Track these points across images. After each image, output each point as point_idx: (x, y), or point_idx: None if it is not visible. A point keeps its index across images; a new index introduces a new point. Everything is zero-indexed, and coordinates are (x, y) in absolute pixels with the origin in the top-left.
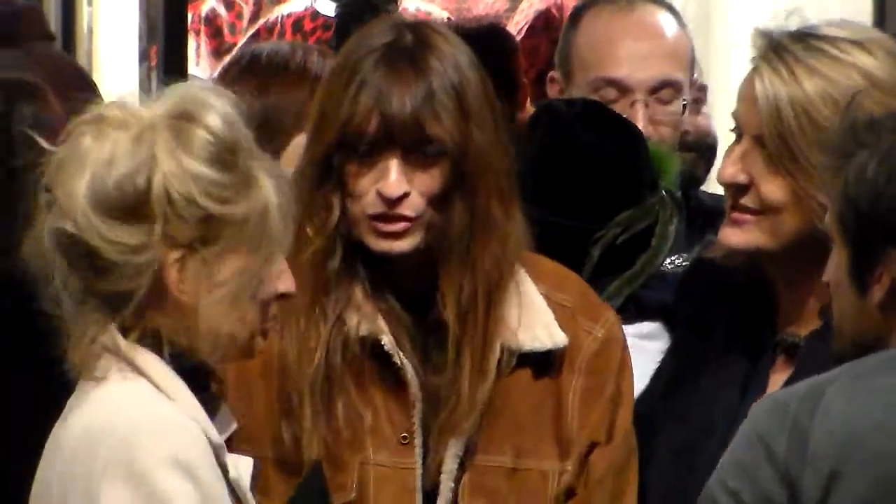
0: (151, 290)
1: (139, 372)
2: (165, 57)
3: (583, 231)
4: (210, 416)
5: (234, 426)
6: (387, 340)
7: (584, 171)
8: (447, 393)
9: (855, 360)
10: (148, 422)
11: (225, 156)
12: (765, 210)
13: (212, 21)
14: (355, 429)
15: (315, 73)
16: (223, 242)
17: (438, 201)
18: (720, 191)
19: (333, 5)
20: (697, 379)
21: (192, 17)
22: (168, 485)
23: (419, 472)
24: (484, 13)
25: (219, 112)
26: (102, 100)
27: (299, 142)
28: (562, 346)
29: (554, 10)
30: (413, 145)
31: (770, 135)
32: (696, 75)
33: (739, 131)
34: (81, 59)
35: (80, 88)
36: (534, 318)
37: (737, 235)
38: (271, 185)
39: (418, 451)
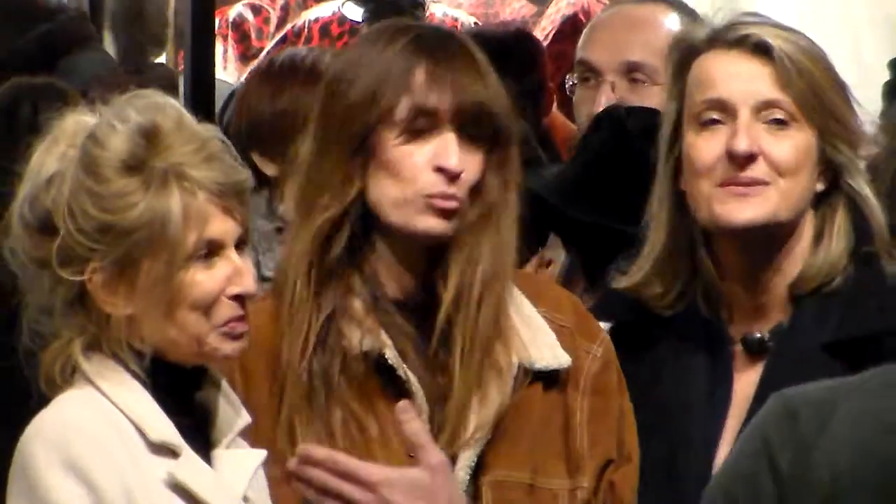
0: (87, 305)
1: (88, 380)
2: (192, 61)
3: (632, 235)
4: (206, 417)
5: (243, 423)
6: (390, 354)
7: (638, 178)
8: (455, 400)
9: (878, 369)
10: (47, 427)
11: (122, 172)
12: (778, 175)
13: (239, 26)
14: (363, 440)
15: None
16: (127, 250)
17: (474, 186)
18: None
19: (360, 10)
20: (659, 394)
21: (220, 22)
22: (57, 489)
23: None
24: (511, 18)
25: (129, 131)
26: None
27: None
28: (566, 366)
29: (581, 16)
30: (473, 123)
31: (798, 87)
32: None
33: (726, 111)
34: None
35: None
36: (539, 337)
37: (750, 209)
38: (179, 192)
39: None
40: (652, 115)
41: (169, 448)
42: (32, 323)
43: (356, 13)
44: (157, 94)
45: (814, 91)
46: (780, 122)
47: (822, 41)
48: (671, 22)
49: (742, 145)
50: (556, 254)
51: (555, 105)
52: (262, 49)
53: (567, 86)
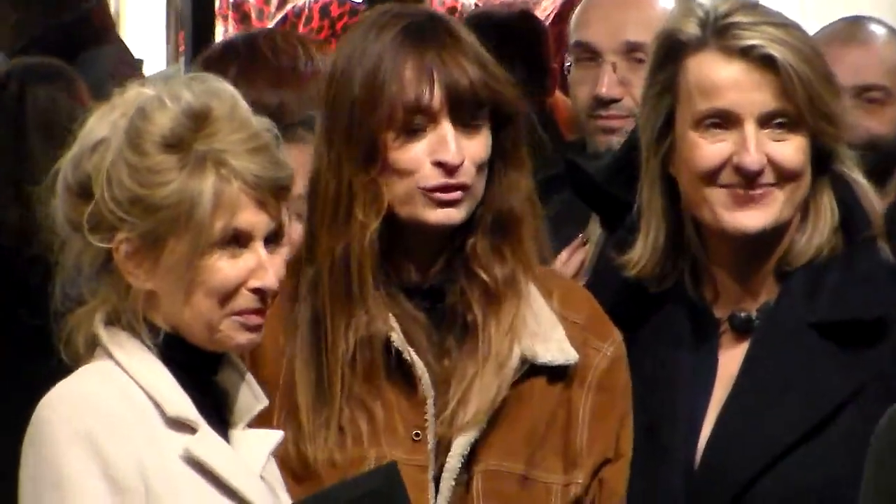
0: (112, 274)
1: (107, 353)
2: (193, 42)
3: None
4: (223, 398)
5: (261, 405)
6: (396, 337)
7: None
8: (458, 384)
9: None
10: (64, 397)
11: (161, 148)
12: (783, 180)
13: (239, 6)
14: (369, 424)
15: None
16: (154, 226)
17: (483, 170)
18: None
19: None
20: (643, 372)
21: (220, 3)
22: (68, 461)
23: (431, 468)
24: (512, 0)
25: (178, 110)
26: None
27: None
28: (573, 362)
29: None
30: (470, 110)
31: (801, 96)
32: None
33: (730, 120)
34: None
35: None
36: (547, 332)
37: (758, 217)
38: (213, 177)
39: (430, 447)
40: None
41: (186, 423)
42: (65, 286)
43: None
44: (216, 80)
45: (811, 98)
46: (782, 127)
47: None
48: (665, 0)
49: (752, 162)
50: (594, 232)
51: (557, 86)
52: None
53: (566, 66)
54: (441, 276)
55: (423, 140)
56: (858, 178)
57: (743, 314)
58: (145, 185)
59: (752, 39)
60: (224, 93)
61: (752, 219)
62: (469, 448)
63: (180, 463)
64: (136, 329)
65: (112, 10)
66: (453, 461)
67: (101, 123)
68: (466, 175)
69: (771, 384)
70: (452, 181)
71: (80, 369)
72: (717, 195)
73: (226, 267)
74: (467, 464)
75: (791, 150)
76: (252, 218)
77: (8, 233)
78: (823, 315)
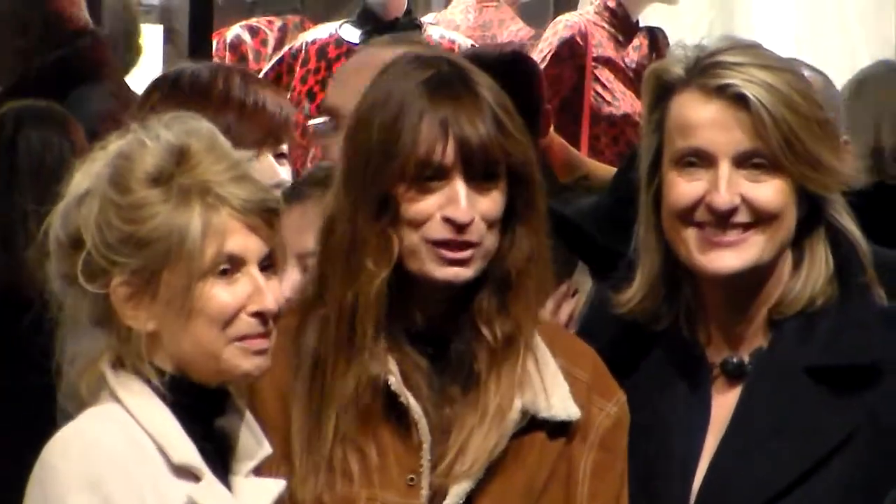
0: (112, 320)
1: (114, 397)
2: None
3: None
4: (226, 444)
5: (264, 453)
6: (393, 381)
7: None
8: (458, 434)
9: None
10: (69, 441)
11: (146, 184)
12: (759, 221)
13: (237, 48)
14: (362, 464)
15: (239, 99)
16: (147, 261)
17: (496, 227)
18: None
19: (358, 32)
20: (637, 417)
21: (217, 44)
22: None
23: None
24: (508, 41)
25: (159, 148)
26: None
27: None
28: (575, 419)
29: (578, 39)
30: (483, 168)
31: (775, 138)
32: None
33: (705, 159)
34: None
35: None
36: (551, 387)
37: (732, 258)
38: (200, 206)
39: (425, 492)
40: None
41: (190, 471)
42: (63, 341)
43: (353, 35)
44: (193, 118)
45: (788, 141)
46: (760, 167)
47: (819, 59)
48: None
49: (722, 202)
50: (583, 283)
51: (551, 128)
52: (259, 71)
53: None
54: (447, 324)
55: (434, 194)
56: (850, 225)
57: (735, 359)
58: (133, 221)
59: (729, 79)
60: (202, 129)
61: (724, 260)
62: (465, 497)
63: None
64: (141, 372)
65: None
66: None
67: (84, 177)
68: (476, 233)
69: (764, 428)
70: (461, 238)
71: (86, 412)
72: (690, 235)
73: (222, 293)
74: None
75: (768, 191)
76: (244, 242)
77: None
78: (817, 359)
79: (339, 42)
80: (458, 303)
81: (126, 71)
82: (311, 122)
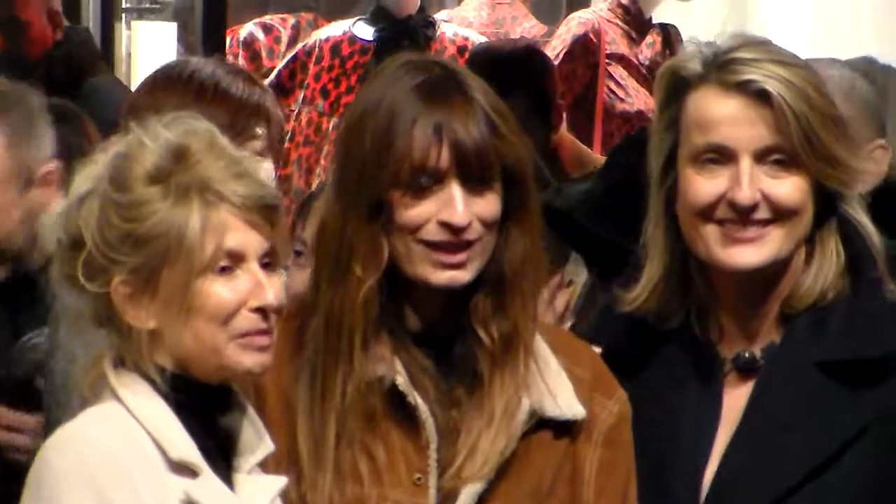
0: (114, 320)
1: (114, 395)
2: None
3: None
4: (229, 441)
5: (266, 450)
6: (401, 381)
7: None
8: (467, 436)
9: None
10: (67, 439)
11: (145, 182)
12: (779, 217)
13: (250, 45)
14: (370, 465)
15: (239, 98)
16: (146, 259)
17: (493, 228)
18: None
19: (371, 30)
20: (648, 413)
21: (231, 41)
22: (68, 502)
23: None
24: (521, 38)
25: (158, 147)
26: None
27: None
28: (580, 418)
29: (592, 36)
30: (478, 171)
31: (796, 134)
32: None
33: (726, 155)
34: None
35: None
36: (555, 386)
37: (751, 254)
38: (198, 203)
39: (432, 492)
40: None
41: (188, 467)
42: (65, 342)
43: (367, 32)
44: (193, 118)
45: (808, 137)
46: (780, 164)
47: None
48: None
49: (745, 197)
50: (578, 273)
51: (564, 124)
52: (272, 68)
53: None
54: (448, 327)
55: (430, 199)
56: (864, 220)
57: (747, 354)
58: (132, 219)
59: (749, 74)
60: (200, 129)
61: (745, 256)
62: (476, 500)
63: None
64: (142, 370)
65: (123, 48)
66: None
67: (85, 179)
68: (473, 233)
69: (776, 423)
70: (456, 241)
71: (86, 411)
72: (711, 231)
73: (222, 290)
74: None
75: (788, 187)
76: (243, 238)
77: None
78: (829, 354)
79: (353, 39)
80: (457, 305)
81: None
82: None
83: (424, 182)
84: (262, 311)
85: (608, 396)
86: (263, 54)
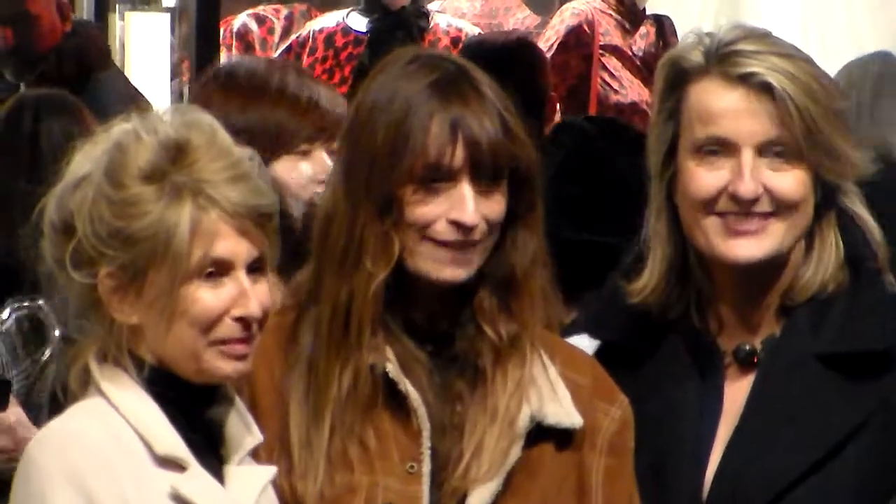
0: (99, 310)
1: (98, 390)
2: (197, 72)
3: (611, 246)
4: (214, 433)
5: (255, 441)
6: (392, 368)
7: (616, 189)
8: (471, 435)
9: None
10: (52, 436)
11: (140, 180)
12: (780, 210)
13: (243, 36)
14: (362, 452)
15: (292, 93)
16: (134, 258)
17: (497, 229)
18: None
19: (365, 21)
20: (649, 407)
21: (224, 33)
22: (55, 499)
23: (426, 502)
24: (514, 29)
25: (156, 142)
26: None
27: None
28: (578, 426)
29: (586, 27)
30: (490, 170)
31: (799, 127)
32: None
33: (728, 148)
34: None
35: None
36: (554, 393)
37: (752, 246)
38: (191, 207)
39: (425, 480)
40: (612, 122)
41: (175, 462)
42: (61, 327)
43: (360, 23)
44: (195, 111)
45: (810, 130)
46: (781, 156)
47: (826, 49)
48: None
49: (747, 190)
50: None
51: (557, 115)
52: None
53: None
54: (447, 321)
55: (441, 196)
56: (863, 212)
57: (747, 347)
58: (123, 217)
59: (752, 67)
60: (203, 123)
61: (746, 249)
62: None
63: (167, 501)
64: (121, 364)
65: (117, 39)
66: None
67: (85, 159)
68: (479, 234)
69: (777, 416)
70: (464, 239)
71: (71, 407)
72: (712, 224)
73: (207, 296)
74: None
75: (789, 180)
76: (232, 246)
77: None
78: (829, 347)
79: (347, 30)
80: (457, 301)
81: None
82: None
83: (436, 179)
84: (244, 320)
85: (610, 402)
86: (257, 45)
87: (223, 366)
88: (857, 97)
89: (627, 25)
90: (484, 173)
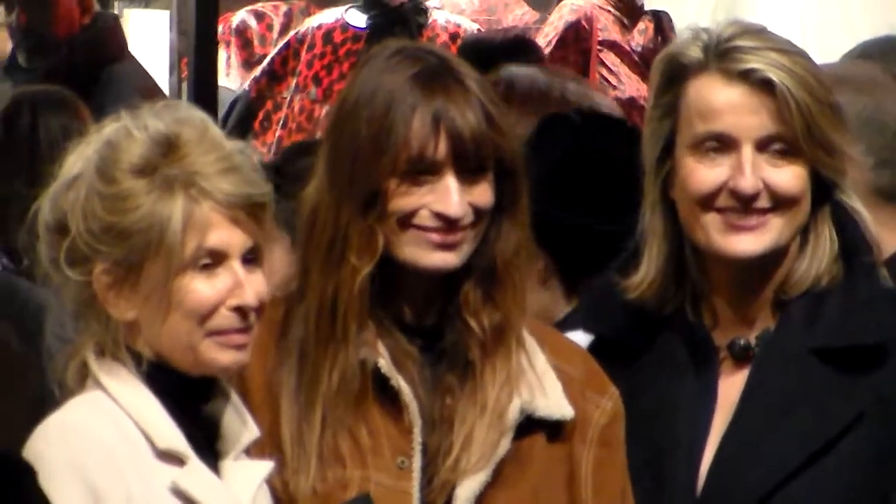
0: (95, 307)
1: (98, 384)
2: (196, 68)
3: (611, 233)
4: (214, 429)
5: (251, 436)
6: (384, 363)
7: (615, 175)
8: (460, 427)
9: None
10: (54, 429)
11: (131, 175)
12: (779, 206)
13: (242, 33)
14: (353, 447)
15: (575, 103)
16: (128, 252)
17: (485, 217)
18: None
19: (363, 17)
20: (643, 401)
21: (223, 29)
22: (60, 491)
23: (417, 497)
24: (513, 25)
25: (146, 138)
26: None
27: None
28: (569, 418)
29: (584, 22)
30: (474, 161)
31: (798, 123)
32: None
33: (728, 144)
34: None
35: None
36: (545, 384)
37: (751, 242)
38: (182, 199)
39: (416, 475)
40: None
41: (176, 456)
42: (54, 326)
43: (359, 20)
44: (186, 106)
45: (808, 126)
46: (780, 153)
47: (823, 47)
48: None
49: (748, 185)
50: None
51: None
52: (265, 56)
53: None
54: (437, 317)
55: (424, 187)
56: (859, 207)
57: (742, 341)
58: (116, 211)
59: (752, 63)
60: (193, 118)
61: (745, 244)
62: (477, 494)
63: (168, 495)
64: (119, 359)
65: None
66: None
67: (77, 159)
68: (466, 219)
69: (772, 411)
70: (450, 230)
71: (71, 400)
72: (711, 220)
73: (202, 287)
74: None
75: (788, 176)
76: (226, 237)
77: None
78: (824, 341)
79: (345, 27)
80: (446, 295)
81: None
82: None
83: (420, 171)
84: (240, 309)
85: (601, 394)
86: (255, 42)
87: (220, 357)
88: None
89: (626, 21)
90: (468, 165)
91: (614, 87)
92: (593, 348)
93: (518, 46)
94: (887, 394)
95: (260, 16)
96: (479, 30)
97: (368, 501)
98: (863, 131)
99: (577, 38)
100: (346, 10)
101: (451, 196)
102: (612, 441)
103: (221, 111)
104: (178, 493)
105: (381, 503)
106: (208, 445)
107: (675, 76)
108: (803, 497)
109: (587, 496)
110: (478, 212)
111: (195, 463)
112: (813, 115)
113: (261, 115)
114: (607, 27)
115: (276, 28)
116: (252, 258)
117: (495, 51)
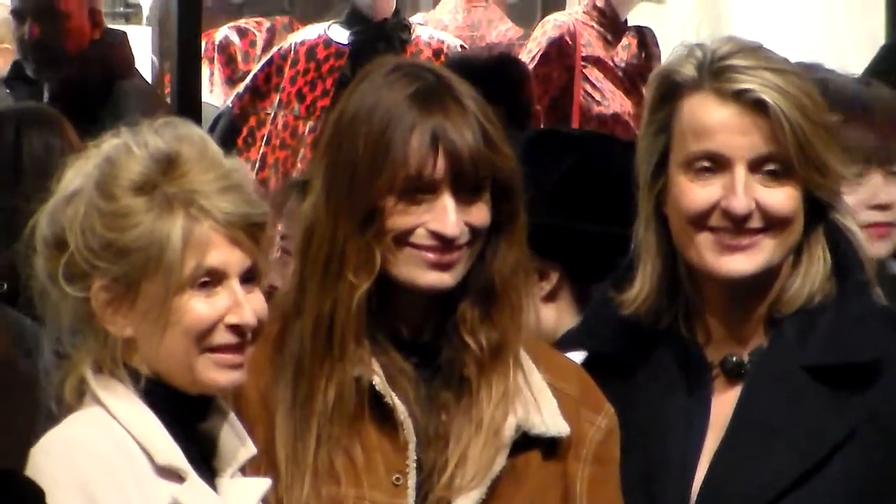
0: (92, 323)
1: (97, 400)
2: (179, 84)
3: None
4: (211, 446)
5: (248, 454)
6: (378, 381)
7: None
8: (456, 444)
9: None
10: (55, 444)
11: (130, 192)
12: (772, 226)
13: (225, 49)
14: (348, 465)
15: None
16: (127, 270)
17: (481, 237)
18: None
19: (346, 33)
20: (636, 417)
21: (206, 45)
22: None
23: None
24: (497, 41)
25: (146, 155)
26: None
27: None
28: (564, 435)
29: (567, 38)
30: (471, 181)
31: (791, 144)
32: None
33: (721, 163)
34: None
35: None
36: (541, 402)
37: (743, 262)
38: (182, 217)
39: (411, 492)
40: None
41: (175, 472)
42: (51, 342)
43: (342, 36)
44: (185, 124)
45: (801, 146)
46: (773, 174)
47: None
48: None
49: (740, 206)
50: None
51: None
52: (248, 72)
53: None
54: (432, 333)
55: (422, 206)
56: (852, 225)
57: (735, 358)
58: (115, 228)
59: (745, 83)
60: (193, 136)
61: (737, 263)
62: None
63: None
64: (117, 375)
65: None
66: None
67: (76, 175)
68: (462, 239)
69: (764, 428)
70: (446, 249)
71: (71, 416)
72: (704, 239)
73: (200, 306)
74: None
75: (781, 197)
76: (225, 256)
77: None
78: (816, 358)
79: (328, 43)
80: (442, 312)
81: None
82: None
83: (417, 190)
84: (238, 328)
85: (596, 411)
86: (239, 58)
87: (217, 376)
88: None
89: (609, 37)
90: (465, 184)
91: (598, 103)
92: (587, 363)
93: (504, 64)
94: (880, 411)
95: (243, 32)
96: (462, 46)
97: None
98: None
99: (560, 53)
100: (329, 27)
101: (447, 215)
102: (607, 458)
103: (205, 128)
104: None
105: None
106: (205, 463)
107: (670, 93)
108: None
109: None
110: (474, 231)
111: (194, 479)
112: (807, 135)
113: (244, 131)
114: (591, 43)
115: (260, 44)
116: (250, 277)
117: (481, 69)
